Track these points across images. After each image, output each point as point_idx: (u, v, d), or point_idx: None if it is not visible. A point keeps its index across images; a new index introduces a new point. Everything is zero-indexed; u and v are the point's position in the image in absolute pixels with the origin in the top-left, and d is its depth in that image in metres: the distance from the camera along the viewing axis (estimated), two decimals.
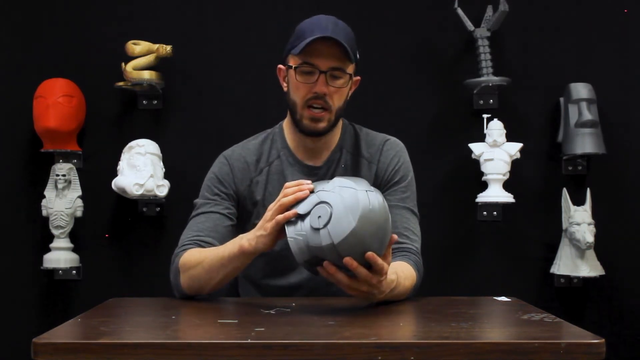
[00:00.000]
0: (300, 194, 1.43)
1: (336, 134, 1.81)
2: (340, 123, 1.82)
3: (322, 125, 1.71)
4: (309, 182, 1.46)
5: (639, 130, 2.71)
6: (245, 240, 1.52)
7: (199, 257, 1.62)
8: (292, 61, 1.71)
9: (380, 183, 1.79)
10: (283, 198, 1.45)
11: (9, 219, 2.73)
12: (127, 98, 2.73)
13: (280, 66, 1.78)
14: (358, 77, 1.80)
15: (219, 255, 1.58)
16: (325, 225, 1.38)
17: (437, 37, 2.73)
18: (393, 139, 1.86)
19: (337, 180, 1.44)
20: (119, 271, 2.72)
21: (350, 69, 1.71)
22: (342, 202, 1.38)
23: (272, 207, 1.48)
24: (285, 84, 1.77)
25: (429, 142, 2.72)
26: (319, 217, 1.39)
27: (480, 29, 2.63)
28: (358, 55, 1.74)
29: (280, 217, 1.44)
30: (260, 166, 1.79)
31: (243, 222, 1.78)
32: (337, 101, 1.71)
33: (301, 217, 1.41)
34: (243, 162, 1.80)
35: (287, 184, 1.48)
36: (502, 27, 2.65)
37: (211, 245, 1.69)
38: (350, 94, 1.78)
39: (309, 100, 1.69)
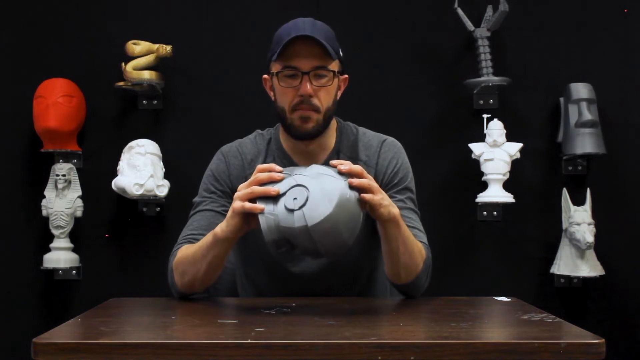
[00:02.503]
0: (275, 175, 1.45)
1: (331, 136, 1.79)
2: (335, 124, 1.81)
3: (312, 125, 1.69)
4: (281, 168, 1.48)
5: (639, 130, 2.71)
6: (218, 227, 1.55)
7: (186, 252, 1.65)
8: (274, 68, 1.70)
9: (380, 185, 1.77)
10: (258, 174, 1.46)
11: (9, 219, 2.73)
12: (127, 98, 2.73)
13: (265, 76, 1.76)
14: (346, 76, 1.78)
15: (198, 246, 1.61)
16: (300, 207, 1.39)
17: (437, 37, 2.73)
18: (390, 139, 1.84)
19: (316, 167, 1.46)
20: (119, 271, 2.72)
21: (334, 66, 1.69)
22: (320, 187, 1.40)
23: (243, 186, 1.48)
24: (272, 93, 1.75)
25: (429, 142, 2.72)
26: (295, 198, 1.40)
27: (480, 29, 2.63)
28: (341, 53, 1.73)
29: (257, 189, 1.44)
30: (255, 166, 1.79)
31: None
32: (324, 100, 1.68)
33: (275, 198, 1.42)
34: (240, 159, 1.80)
35: (259, 166, 1.49)
36: (502, 27, 2.65)
37: None
38: (339, 94, 1.76)
39: (296, 105, 1.67)
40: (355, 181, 1.43)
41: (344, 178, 1.44)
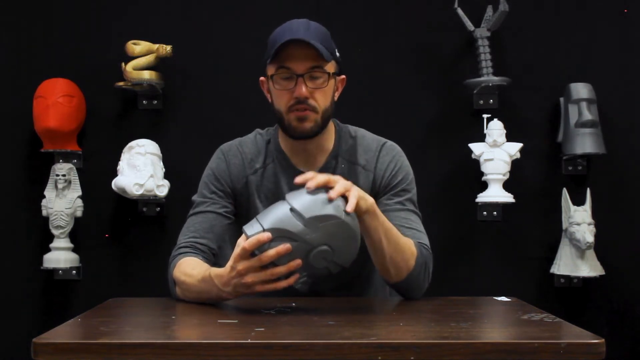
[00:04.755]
0: (282, 249, 1.37)
1: (329, 138, 1.79)
2: (333, 127, 1.80)
3: (309, 125, 1.68)
4: (269, 235, 1.37)
5: (639, 130, 2.71)
6: (226, 294, 1.50)
7: (189, 280, 1.60)
8: (269, 71, 1.70)
9: (379, 189, 1.77)
10: (262, 255, 1.38)
11: (9, 219, 2.73)
12: (127, 98, 2.73)
13: (262, 78, 1.76)
14: (343, 76, 1.77)
15: (204, 291, 1.56)
16: (330, 260, 1.41)
17: (437, 37, 2.73)
18: (389, 143, 1.83)
19: (311, 217, 1.38)
20: (119, 271, 2.72)
21: (329, 67, 1.68)
22: (340, 237, 1.41)
23: (250, 267, 1.41)
24: (269, 95, 1.75)
25: (429, 142, 2.72)
26: (323, 258, 1.41)
27: (480, 29, 2.63)
28: (338, 54, 1.72)
29: (279, 271, 1.39)
30: (255, 166, 1.79)
31: (240, 217, 1.78)
32: (321, 101, 1.67)
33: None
34: (240, 159, 1.79)
35: (244, 244, 1.39)
36: (502, 27, 2.65)
37: (207, 246, 1.71)
38: (337, 95, 1.75)
39: (292, 106, 1.67)
40: (333, 193, 1.40)
41: (340, 204, 1.41)
